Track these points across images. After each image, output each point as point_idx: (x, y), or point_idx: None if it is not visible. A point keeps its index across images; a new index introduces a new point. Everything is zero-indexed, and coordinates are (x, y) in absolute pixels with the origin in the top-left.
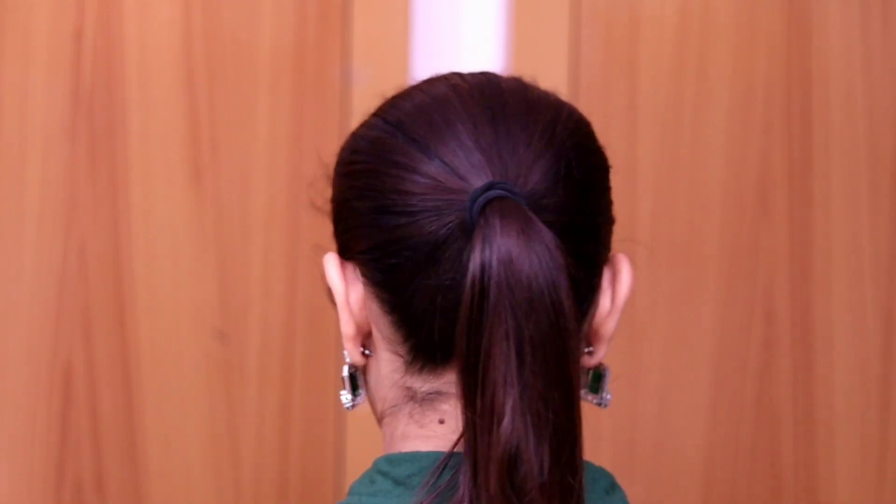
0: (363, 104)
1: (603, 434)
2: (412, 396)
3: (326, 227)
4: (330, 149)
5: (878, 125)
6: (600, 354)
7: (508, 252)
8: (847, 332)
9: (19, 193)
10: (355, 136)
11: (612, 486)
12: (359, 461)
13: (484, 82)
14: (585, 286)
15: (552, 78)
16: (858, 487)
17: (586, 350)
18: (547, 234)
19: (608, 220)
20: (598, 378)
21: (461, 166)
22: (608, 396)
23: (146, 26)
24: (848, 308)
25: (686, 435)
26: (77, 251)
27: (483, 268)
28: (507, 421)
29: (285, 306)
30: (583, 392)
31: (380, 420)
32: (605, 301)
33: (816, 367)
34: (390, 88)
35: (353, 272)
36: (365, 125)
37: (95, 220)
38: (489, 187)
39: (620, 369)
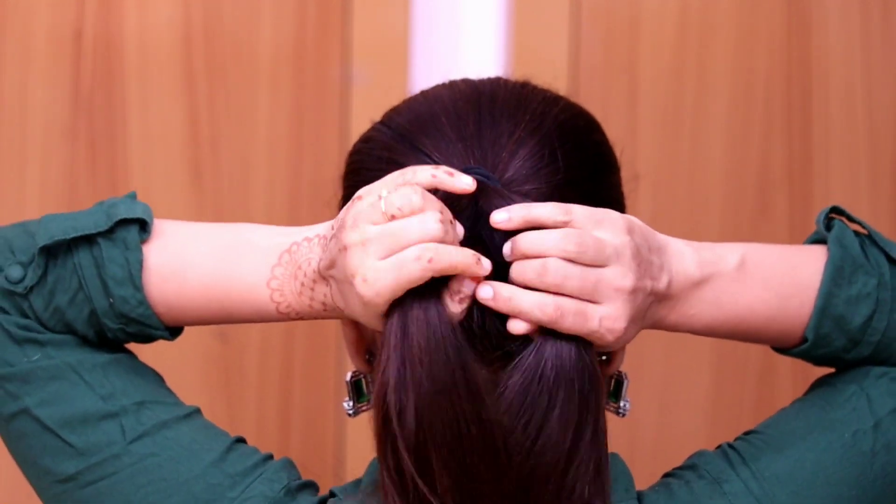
0: (363, 104)
1: None
2: None
3: None
4: (330, 148)
5: (878, 125)
6: (617, 361)
7: None
8: None
9: (19, 193)
10: (356, 141)
11: (629, 483)
12: (359, 461)
13: (485, 82)
14: None
15: (552, 78)
16: None
17: (602, 357)
18: None
19: None
20: (617, 386)
21: (441, 157)
22: (627, 404)
23: (146, 26)
24: None
25: (686, 435)
26: None
27: None
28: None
29: None
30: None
31: None
32: None
33: (816, 368)
34: (390, 88)
35: None
36: (366, 130)
37: None
38: (464, 172)
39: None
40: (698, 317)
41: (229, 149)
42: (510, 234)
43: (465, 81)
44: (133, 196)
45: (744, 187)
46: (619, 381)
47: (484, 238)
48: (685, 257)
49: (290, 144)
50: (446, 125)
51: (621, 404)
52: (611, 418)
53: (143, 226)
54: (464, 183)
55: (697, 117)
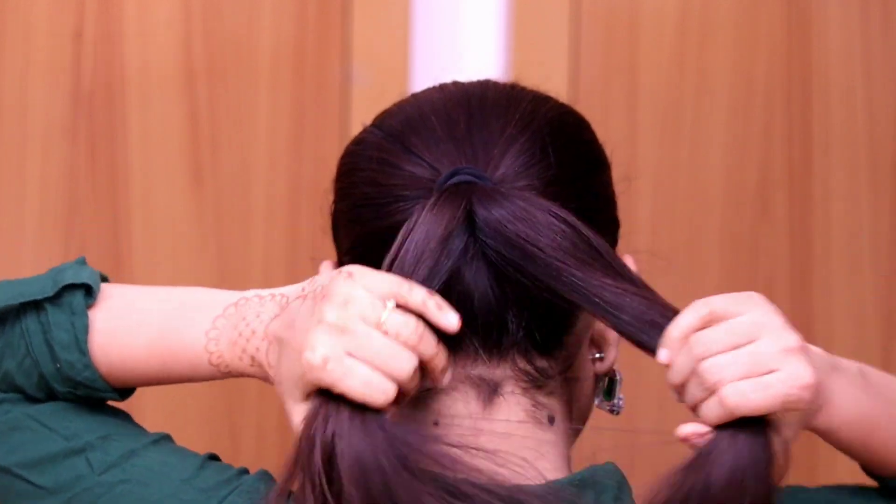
0: (363, 104)
1: (603, 434)
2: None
3: (326, 228)
4: (330, 148)
5: (878, 125)
6: (610, 359)
7: None
8: (847, 333)
9: (19, 193)
10: (348, 144)
11: (619, 491)
12: None
13: (474, 84)
14: None
15: (552, 78)
16: None
17: (596, 356)
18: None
19: (604, 219)
20: (611, 384)
21: (432, 156)
22: (620, 402)
23: (146, 26)
24: (848, 308)
25: None
26: (77, 251)
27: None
28: None
29: None
30: (597, 401)
31: None
32: None
33: None
34: (390, 89)
35: None
36: (358, 133)
37: (95, 220)
38: (454, 173)
39: (621, 370)
40: (845, 408)
41: (229, 149)
42: (504, 228)
43: (455, 84)
44: (82, 261)
45: (744, 187)
46: (613, 380)
47: (478, 237)
48: (810, 346)
49: (290, 144)
50: (437, 125)
51: (615, 402)
52: (609, 417)
53: (89, 290)
54: (448, 321)
55: (697, 117)
